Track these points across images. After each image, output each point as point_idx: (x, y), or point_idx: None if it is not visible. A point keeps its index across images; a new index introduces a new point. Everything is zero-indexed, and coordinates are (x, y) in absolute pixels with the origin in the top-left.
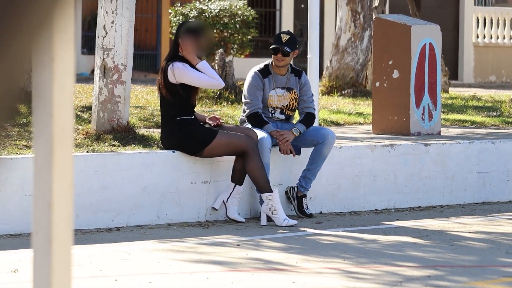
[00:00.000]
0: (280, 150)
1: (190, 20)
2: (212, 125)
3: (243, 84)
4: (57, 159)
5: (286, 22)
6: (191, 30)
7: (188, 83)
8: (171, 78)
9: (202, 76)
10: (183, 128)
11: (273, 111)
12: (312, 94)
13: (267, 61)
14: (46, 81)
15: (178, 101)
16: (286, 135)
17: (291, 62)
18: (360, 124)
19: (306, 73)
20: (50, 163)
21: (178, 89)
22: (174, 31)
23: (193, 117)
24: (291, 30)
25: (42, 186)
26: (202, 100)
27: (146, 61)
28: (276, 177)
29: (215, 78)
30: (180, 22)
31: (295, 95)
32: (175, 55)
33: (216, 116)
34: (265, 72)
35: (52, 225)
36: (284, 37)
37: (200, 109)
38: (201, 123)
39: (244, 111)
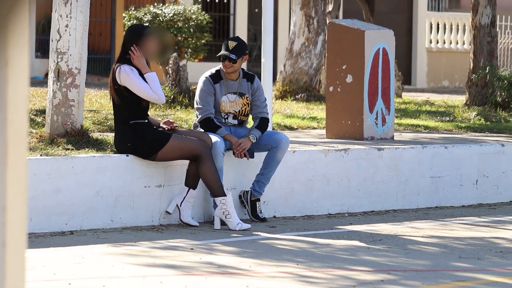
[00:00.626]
0: (234, 154)
1: (137, 24)
2: (166, 129)
3: (196, 88)
4: (11, 163)
5: (240, 27)
6: (139, 34)
7: (130, 89)
8: (118, 81)
9: (145, 87)
10: (136, 132)
11: (226, 117)
12: (265, 99)
13: (219, 66)
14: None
15: (129, 104)
16: (243, 144)
17: (244, 67)
18: (314, 128)
19: (260, 78)
20: (4, 167)
21: (123, 92)
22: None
23: (146, 120)
24: (245, 35)
25: None
26: (156, 104)
27: (100, 64)
28: (229, 181)
29: (157, 93)
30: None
31: (247, 100)
32: (123, 58)
33: (170, 120)
34: (216, 77)
35: (6, 229)
36: (231, 44)
37: (153, 113)
38: (155, 127)
39: (197, 116)
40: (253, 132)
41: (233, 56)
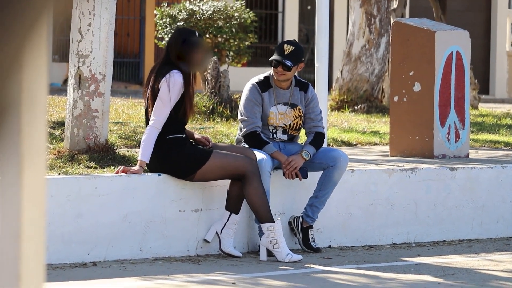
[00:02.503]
0: (284, 174)
1: (188, 29)
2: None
3: (239, 97)
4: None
5: (290, 26)
6: (191, 43)
7: (161, 96)
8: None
9: (165, 110)
10: (172, 148)
11: (274, 131)
12: (321, 111)
13: (268, 72)
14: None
15: (170, 117)
16: (295, 162)
17: (296, 74)
18: (376, 144)
19: (313, 86)
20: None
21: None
22: (160, 36)
23: (184, 135)
24: (296, 35)
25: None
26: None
27: (128, 69)
28: (278, 205)
29: (158, 126)
30: (169, 25)
31: (300, 112)
32: (170, 62)
33: (206, 137)
34: (264, 85)
35: (21, 259)
36: (287, 48)
37: (190, 126)
38: (192, 141)
39: (241, 130)
40: (307, 149)
41: (288, 63)
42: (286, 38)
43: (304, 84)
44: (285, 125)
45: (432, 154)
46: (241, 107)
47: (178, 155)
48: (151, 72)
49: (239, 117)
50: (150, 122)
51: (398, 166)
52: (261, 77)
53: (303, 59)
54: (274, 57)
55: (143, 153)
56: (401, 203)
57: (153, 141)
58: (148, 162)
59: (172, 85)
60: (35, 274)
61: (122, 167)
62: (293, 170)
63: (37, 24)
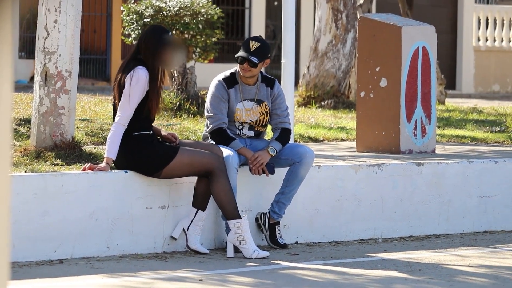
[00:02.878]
0: (250, 170)
1: (160, 26)
2: (169, 143)
3: (206, 94)
4: None
5: (257, 22)
6: (162, 41)
7: (125, 93)
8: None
9: (129, 107)
10: (139, 145)
11: (240, 127)
12: (287, 107)
13: (234, 68)
14: None
15: (135, 114)
16: (261, 158)
17: (262, 70)
18: (342, 140)
19: (280, 82)
20: None
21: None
22: (126, 32)
23: (151, 132)
24: (263, 31)
25: None
26: (160, 112)
27: (94, 66)
28: (244, 202)
29: (123, 123)
30: (135, 21)
31: (266, 108)
32: (138, 59)
33: (173, 134)
34: (231, 81)
35: None
36: (253, 45)
37: (157, 122)
38: (159, 138)
39: (207, 126)
40: (273, 145)
41: (254, 59)
42: (253, 34)
43: (271, 80)
44: (252, 121)
45: (399, 149)
46: (207, 104)
47: (144, 152)
48: (120, 66)
49: (206, 113)
50: (116, 119)
51: (365, 161)
52: (227, 73)
53: (269, 55)
54: (240, 53)
55: (109, 150)
56: (368, 199)
57: (119, 137)
58: (114, 159)
59: (135, 81)
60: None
61: (89, 164)
62: (260, 166)
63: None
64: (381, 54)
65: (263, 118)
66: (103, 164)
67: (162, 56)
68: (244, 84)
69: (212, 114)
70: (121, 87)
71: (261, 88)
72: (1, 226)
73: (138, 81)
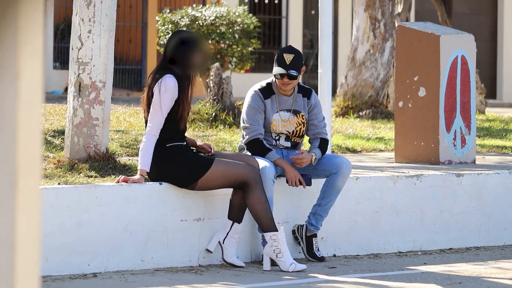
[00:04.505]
0: (287, 181)
1: (187, 31)
2: (204, 153)
3: (242, 104)
4: (22, 192)
5: (294, 32)
6: (191, 45)
7: (154, 102)
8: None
9: (160, 116)
10: (173, 156)
11: (277, 138)
12: (324, 117)
13: (270, 78)
14: (10, 100)
15: (166, 123)
16: (305, 158)
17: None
18: (381, 151)
19: (317, 92)
20: (14, 197)
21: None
22: (162, 42)
23: (185, 143)
24: (300, 41)
25: (4, 224)
26: (195, 122)
27: (129, 77)
28: (281, 214)
29: (154, 133)
30: (171, 31)
31: (303, 119)
32: (166, 67)
33: (208, 144)
34: (267, 91)
35: (16, 271)
36: (288, 58)
37: (192, 133)
38: (193, 149)
39: (243, 137)
40: (316, 151)
41: (293, 73)
42: (290, 44)
43: (307, 90)
44: (288, 132)
45: (438, 160)
46: (243, 114)
47: (179, 164)
48: (148, 77)
49: (242, 124)
50: (146, 129)
51: (404, 172)
52: (264, 83)
53: (303, 62)
54: (278, 70)
55: (142, 162)
56: (407, 211)
57: (151, 148)
58: (148, 170)
59: (164, 90)
60: (30, 286)
61: (123, 176)
62: (303, 162)
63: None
64: (420, 63)
65: (300, 129)
66: (137, 176)
67: (187, 59)
68: (280, 95)
69: (248, 125)
70: (149, 98)
71: (297, 99)
72: (32, 240)
73: (166, 89)
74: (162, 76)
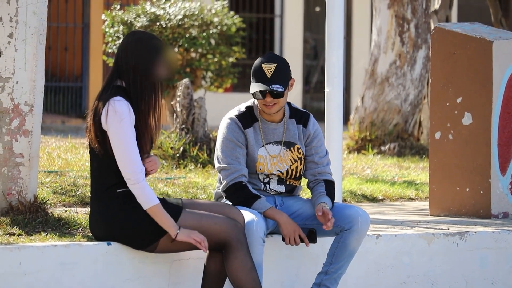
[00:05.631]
0: (283, 239)
1: (146, 32)
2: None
3: None
4: None
5: (292, 35)
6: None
7: (115, 142)
8: (104, 122)
9: (130, 151)
10: (126, 206)
11: (266, 180)
12: (327, 152)
13: (251, 101)
14: None
15: (114, 161)
16: (327, 212)
17: (293, 99)
18: (410, 199)
19: (322, 118)
20: None
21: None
22: (110, 50)
23: None
24: (299, 48)
25: None
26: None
27: (66, 98)
28: (274, 285)
29: (139, 180)
30: (122, 35)
31: (300, 153)
32: (116, 87)
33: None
34: (247, 118)
35: None
36: (268, 69)
37: (153, 175)
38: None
39: (220, 181)
40: (326, 201)
41: (278, 88)
42: (286, 52)
43: (303, 114)
44: (280, 172)
45: (490, 212)
46: (218, 152)
47: (134, 217)
48: (96, 98)
49: (217, 165)
50: (129, 181)
51: (442, 229)
52: (242, 108)
53: (290, 73)
54: (255, 87)
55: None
56: (446, 281)
57: (154, 197)
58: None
59: (117, 119)
60: None
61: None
62: (329, 220)
63: None
64: (464, 80)
65: (296, 167)
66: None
67: (148, 70)
68: (266, 122)
69: (225, 165)
70: (97, 125)
71: (290, 126)
72: None
73: (121, 119)
74: (109, 99)
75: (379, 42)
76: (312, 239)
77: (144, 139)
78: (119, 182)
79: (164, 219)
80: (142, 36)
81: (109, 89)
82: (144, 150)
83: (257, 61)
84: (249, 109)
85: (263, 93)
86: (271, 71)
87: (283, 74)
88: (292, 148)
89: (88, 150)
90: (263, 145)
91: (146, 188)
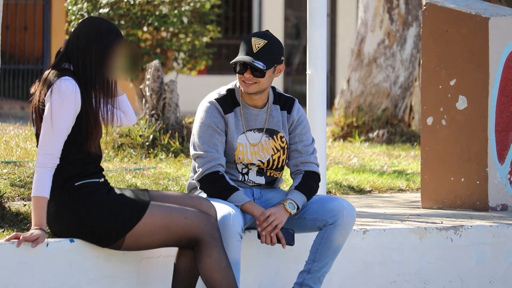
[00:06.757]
0: (259, 237)
1: (100, 18)
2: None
3: (193, 122)
4: None
5: (271, 13)
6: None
7: (45, 118)
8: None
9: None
10: (86, 200)
11: (245, 171)
12: (313, 140)
13: (232, 83)
14: None
15: (69, 149)
16: (274, 218)
17: (277, 84)
18: (401, 190)
19: (304, 102)
20: None
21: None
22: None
23: (102, 179)
24: (280, 27)
25: None
26: (123, 149)
27: (25, 82)
28: (252, 285)
29: (49, 165)
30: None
31: (283, 142)
32: (63, 68)
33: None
34: (228, 102)
35: None
36: (256, 43)
37: (118, 165)
38: (118, 188)
39: (195, 170)
40: (293, 197)
41: (259, 65)
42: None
43: (288, 100)
44: (261, 162)
45: (487, 204)
46: (194, 138)
47: (95, 211)
48: (40, 77)
49: (192, 152)
50: (37, 160)
51: (435, 223)
52: (223, 90)
53: (282, 58)
54: (238, 57)
55: (37, 210)
56: (440, 279)
57: (47, 188)
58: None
59: (57, 99)
60: None
61: (15, 233)
62: (273, 231)
63: None
64: (459, 60)
65: (278, 157)
66: (33, 232)
67: (107, 63)
68: (248, 106)
69: (201, 152)
70: (39, 109)
71: (273, 112)
72: None
73: (62, 99)
74: (56, 79)
75: (366, 19)
76: (289, 240)
77: (94, 129)
78: (76, 174)
79: (36, 215)
80: (100, 23)
81: (57, 70)
82: (93, 139)
83: (249, 35)
84: (231, 92)
85: (243, 66)
86: (258, 46)
87: (270, 54)
88: (275, 137)
89: (35, 133)
90: (244, 132)
91: (46, 178)
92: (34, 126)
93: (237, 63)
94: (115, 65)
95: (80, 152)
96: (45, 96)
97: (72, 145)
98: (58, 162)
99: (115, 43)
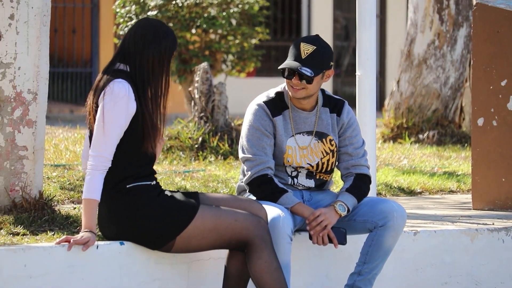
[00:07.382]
0: (310, 238)
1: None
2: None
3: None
4: None
5: (321, 15)
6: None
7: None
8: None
9: (111, 137)
10: (137, 203)
11: (294, 174)
12: (364, 142)
13: (281, 85)
14: None
15: (124, 152)
16: (324, 218)
17: (326, 86)
18: (451, 192)
19: (354, 104)
20: None
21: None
22: (122, 32)
23: (154, 182)
24: (329, 28)
25: None
26: (172, 151)
27: (74, 85)
28: (303, 286)
29: (100, 168)
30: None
31: (333, 145)
32: (117, 71)
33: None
34: (277, 105)
35: None
36: (305, 49)
37: (167, 168)
38: (168, 191)
39: (244, 173)
40: (343, 199)
41: (307, 71)
42: (314, 32)
43: (337, 102)
44: (310, 165)
45: None
46: (242, 141)
47: (146, 214)
48: (96, 81)
49: (241, 155)
50: (89, 163)
51: (486, 224)
52: (272, 93)
53: (331, 63)
54: (286, 63)
55: (87, 214)
56: (492, 281)
57: (98, 191)
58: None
59: (111, 101)
60: None
61: (65, 236)
62: (323, 231)
63: None
64: (510, 60)
65: (328, 160)
66: (83, 234)
67: (164, 65)
68: (297, 109)
69: (250, 156)
70: (94, 113)
71: (322, 115)
72: None
73: (115, 101)
74: (110, 81)
75: (416, 20)
76: (341, 240)
77: (146, 131)
78: (128, 176)
79: (86, 217)
80: (157, 24)
81: (110, 72)
82: (148, 144)
83: (298, 39)
84: (279, 95)
85: (291, 72)
86: (307, 52)
87: (319, 60)
88: (324, 140)
89: (88, 136)
90: (293, 135)
91: (97, 181)
92: (89, 125)
93: (285, 69)
94: (170, 67)
95: (135, 154)
96: (98, 98)
97: (127, 147)
98: (110, 165)
99: (172, 46)
